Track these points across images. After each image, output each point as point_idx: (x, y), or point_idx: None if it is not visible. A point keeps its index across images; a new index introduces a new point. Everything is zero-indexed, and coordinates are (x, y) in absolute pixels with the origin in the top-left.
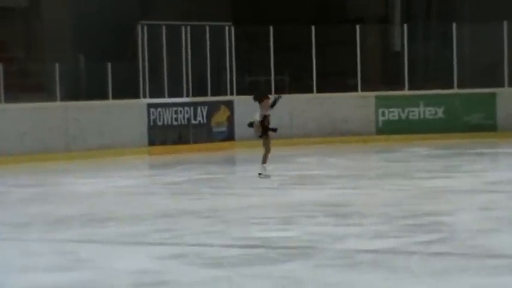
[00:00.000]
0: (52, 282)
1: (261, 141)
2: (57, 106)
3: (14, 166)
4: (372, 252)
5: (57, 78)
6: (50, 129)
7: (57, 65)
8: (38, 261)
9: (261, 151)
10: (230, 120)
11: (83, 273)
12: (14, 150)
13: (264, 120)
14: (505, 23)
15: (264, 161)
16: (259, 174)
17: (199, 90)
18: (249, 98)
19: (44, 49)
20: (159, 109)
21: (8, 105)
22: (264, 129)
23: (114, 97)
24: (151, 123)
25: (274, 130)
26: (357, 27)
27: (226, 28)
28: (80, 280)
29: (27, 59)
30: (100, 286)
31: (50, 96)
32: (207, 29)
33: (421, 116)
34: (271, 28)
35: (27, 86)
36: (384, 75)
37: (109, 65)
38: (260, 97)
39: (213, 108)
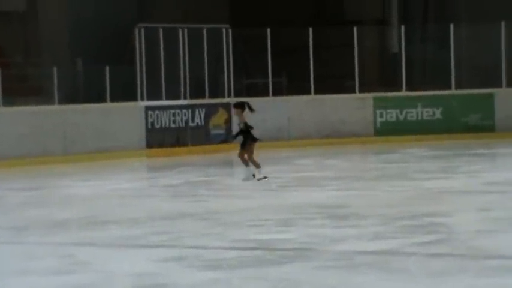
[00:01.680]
0: (51, 286)
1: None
2: (55, 109)
3: (12, 169)
4: (370, 254)
5: (55, 82)
6: (48, 132)
7: (55, 69)
8: (37, 265)
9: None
10: (228, 122)
11: (82, 276)
12: (12, 154)
13: (247, 127)
14: (503, 24)
15: (257, 165)
16: (258, 179)
17: (197, 93)
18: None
19: (41, 53)
20: (157, 112)
21: (6, 109)
22: (248, 138)
23: (112, 100)
24: (149, 126)
25: (256, 140)
26: (354, 29)
27: (224, 30)
28: (79, 283)
29: (25, 63)
30: None
31: (48, 100)
32: (205, 31)
33: (419, 117)
34: (268, 30)
35: (25, 90)
36: (381, 77)
37: (107, 68)
38: (243, 105)
39: (210, 110)
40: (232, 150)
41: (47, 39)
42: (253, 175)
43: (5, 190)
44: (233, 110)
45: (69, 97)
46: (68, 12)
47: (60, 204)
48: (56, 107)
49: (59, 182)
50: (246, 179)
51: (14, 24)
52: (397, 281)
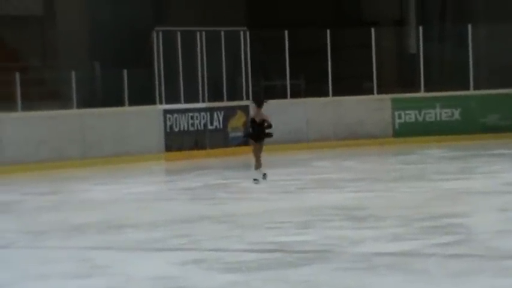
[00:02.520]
0: None
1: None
2: (74, 114)
3: (31, 174)
4: (389, 255)
5: (73, 86)
6: (67, 136)
7: (73, 73)
8: (56, 269)
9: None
10: (246, 125)
11: (101, 280)
12: (30, 158)
13: (263, 122)
14: None
15: (257, 166)
16: (255, 179)
17: (215, 96)
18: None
19: (59, 57)
20: (175, 115)
21: (25, 114)
22: (262, 133)
23: (131, 104)
24: (168, 129)
25: (270, 135)
26: (372, 30)
27: (241, 33)
28: (98, 287)
29: (43, 67)
30: None
31: (66, 104)
32: (222, 34)
33: (438, 118)
34: (286, 32)
35: (43, 94)
36: (399, 78)
37: (125, 71)
38: (262, 102)
39: (229, 113)
40: (251, 153)
41: (64, 43)
42: (264, 174)
43: (23, 194)
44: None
45: (87, 101)
46: (85, 16)
47: (79, 208)
48: (74, 111)
49: (77, 186)
50: (257, 181)
51: (32, 29)
52: (417, 282)
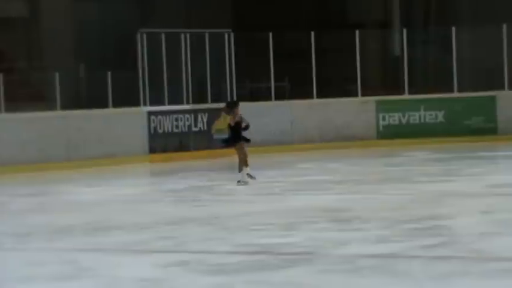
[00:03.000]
0: None
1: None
2: (58, 115)
3: (16, 175)
4: (374, 257)
5: (58, 87)
6: (51, 138)
7: (57, 74)
8: (41, 271)
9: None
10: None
11: (86, 282)
12: (15, 160)
13: (237, 125)
14: (505, 26)
15: (241, 168)
16: (238, 181)
17: (200, 98)
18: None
19: (44, 58)
20: (159, 117)
21: (9, 115)
22: (237, 137)
23: (115, 105)
24: (152, 131)
25: (248, 140)
26: (357, 32)
27: (226, 35)
28: None
29: (28, 69)
30: None
31: (51, 105)
32: (207, 36)
33: (422, 120)
34: (270, 34)
35: (27, 96)
36: (384, 80)
37: (109, 73)
38: (234, 104)
39: (213, 115)
40: (236, 155)
41: (49, 45)
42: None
43: (8, 196)
44: (237, 109)
45: (72, 102)
46: (71, 18)
47: (64, 210)
48: (59, 112)
49: (62, 187)
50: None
51: (17, 30)
52: (401, 284)
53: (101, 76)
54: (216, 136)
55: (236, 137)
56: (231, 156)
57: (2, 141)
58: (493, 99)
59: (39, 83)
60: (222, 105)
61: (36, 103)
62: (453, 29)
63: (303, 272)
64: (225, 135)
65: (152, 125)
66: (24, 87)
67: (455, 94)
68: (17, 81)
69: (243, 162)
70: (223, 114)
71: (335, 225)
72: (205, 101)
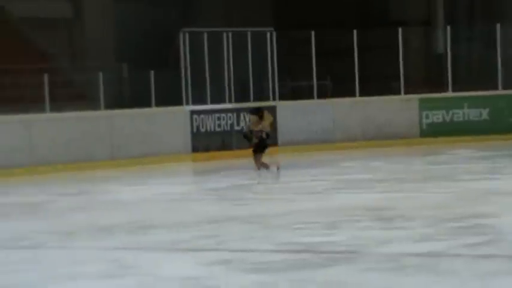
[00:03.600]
0: None
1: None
2: (102, 115)
3: (60, 175)
4: (417, 256)
5: (101, 87)
6: (95, 137)
7: (100, 74)
8: (84, 269)
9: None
10: (273, 125)
11: (129, 280)
12: (59, 159)
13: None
14: None
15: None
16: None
17: (242, 96)
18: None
19: (87, 59)
20: (202, 116)
21: (53, 115)
22: (260, 146)
23: (158, 105)
24: (195, 130)
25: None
26: (399, 30)
27: (268, 34)
28: (126, 287)
29: (72, 69)
30: None
31: (94, 105)
32: (249, 34)
33: (466, 118)
34: (312, 33)
35: (71, 96)
36: (427, 78)
37: (152, 72)
38: (259, 111)
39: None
40: (278, 153)
41: (92, 45)
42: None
43: (52, 195)
44: (252, 117)
45: (115, 102)
46: (113, 18)
47: (107, 208)
48: (102, 112)
49: (106, 187)
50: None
51: (61, 31)
52: (445, 283)
53: (144, 76)
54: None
55: (259, 146)
56: (273, 155)
57: (46, 141)
58: None
59: (83, 83)
60: (264, 104)
61: (80, 103)
62: (498, 25)
63: (346, 270)
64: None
65: (195, 124)
66: (67, 88)
67: (500, 91)
68: (61, 81)
69: (265, 166)
70: (265, 112)
71: (378, 224)
72: (247, 100)
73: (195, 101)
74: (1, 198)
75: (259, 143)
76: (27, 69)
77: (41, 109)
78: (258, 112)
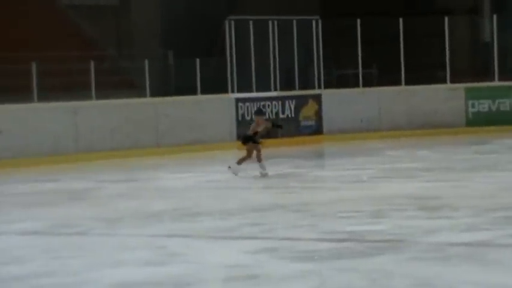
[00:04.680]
0: (145, 277)
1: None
2: (147, 102)
3: (106, 162)
4: (463, 245)
5: (147, 75)
6: (140, 125)
7: (146, 62)
8: (131, 256)
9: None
10: (318, 114)
11: (175, 267)
12: (105, 146)
13: (255, 134)
14: None
15: (240, 162)
16: (229, 167)
17: (287, 84)
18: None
19: (133, 46)
20: (247, 103)
21: (99, 102)
22: (249, 138)
23: (203, 92)
24: (240, 118)
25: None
26: (446, 18)
27: (314, 22)
28: (172, 274)
29: (118, 56)
30: (192, 280)
31: (140, 93)
32: (295, 23)
33: None
34: (358, 21)
35: (117, 83)
36: (473, 67)
37: (197, 60)
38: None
39: (301, 102)
40: (323, 142)
41: (138, 33)
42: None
43: (98, 182)
44: (259, 118)
45: (161, 90)
46: (159, 6)
47: (153, 196)
48: (148, 99)
49: (152, 174)
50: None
51: (108, 18)
52: (492, 273)
53: (190, 63)
54: (303, 123)
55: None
56: (319, 143)
57: (93, 128)
58: None
59: (129, 71)
60: (309, 92)
61: (126, 90)
62: None
63: (391, 259)
64: (312, 122)
65: (240, 111)
66: (114, 75)
67: None
68: (107, 68)
69: (257, 158)
70: (310, 101)
71: (424, 213)
72: (292, 88)
73: (241, 89)
74: (48, 185)
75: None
76: (74, 56)
77: (87, 96)
78: (262, 113)
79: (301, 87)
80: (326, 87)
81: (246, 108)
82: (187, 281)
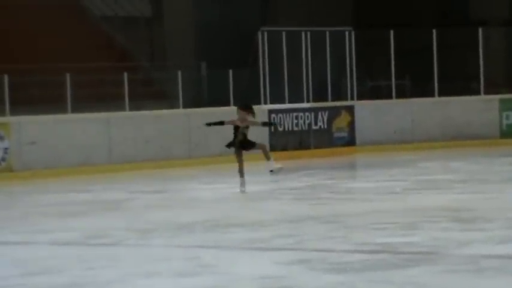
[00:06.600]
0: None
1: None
2: (180, 113)
3: (138, 172)
4: (498, 258)
5: (180, 86)
6: (173, 136)
7: (179, 73)
8: (163, 267)
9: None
10: (351, 125)
11: (207, 278)
12: (138, 157)
13: (237, 131)
14: None
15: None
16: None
17: (320, 96)
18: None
19: (167, 57)
20: (280, 115)
21: (132, 113)
22: (244, 143)
23: (236, 104)
24: (273, 129)
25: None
26: (480, 30)
27: (347, 33)
28: (204, 285)
29: (151, 67)
30: None
31: (173, 104)
32: (327, 34)
33: None
34: (392, 32)
35: (150, 94)
36: (507, 78)
37: (230, 71)
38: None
39: (333, 113)
40: (356, 153)
41: (172, 44)
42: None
43: (131, 193)
44: (241, 113)
45: (194, 101)
46: (192, 17)
47: (185, 206)
48: (181, 110)
49: (184, 184)
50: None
51: (141, 29)
52: None
53: (223, 74)
54: (336, 134)
55: (243, 142)
56: (352, 154)
57: (126, 139)
58: None
59: (162, 82)
60: (342, 103)
61: (159, 101)
62: None
63: (425, 272)
64: (345, 134)
65: (273, 122)
66: (147, 86)
67: None
68: (140, 79)
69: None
70: (343, 112)
71: (458, 225)
72: (325, 100)
73: (273, 100)
74: (81, 195)
75: (244, 140)
76: (108, 67)
77: (120, 107)
78: (247, 108)
79: (334, 99)
80: (359, 98)
81: (278, 120)
82: None
